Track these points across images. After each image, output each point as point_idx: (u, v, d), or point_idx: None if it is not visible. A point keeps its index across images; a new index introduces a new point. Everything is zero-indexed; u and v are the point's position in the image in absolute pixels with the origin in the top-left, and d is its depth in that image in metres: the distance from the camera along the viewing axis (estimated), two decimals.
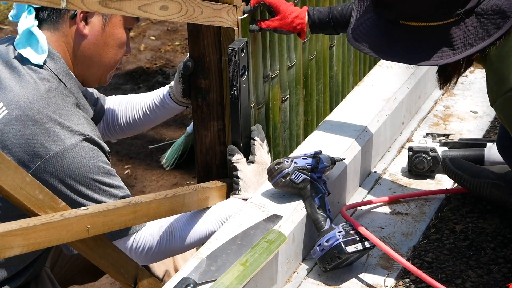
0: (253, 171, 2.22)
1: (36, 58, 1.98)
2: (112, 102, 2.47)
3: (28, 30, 1.99)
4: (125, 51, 2.15)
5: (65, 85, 2.01)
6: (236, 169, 2.21)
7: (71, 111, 1.98)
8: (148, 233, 2.11)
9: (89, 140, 1.97)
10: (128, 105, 2.45)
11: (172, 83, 2.38)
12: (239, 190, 2.20)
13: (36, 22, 2.01)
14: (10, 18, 2.05)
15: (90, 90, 2.37)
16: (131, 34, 5.44)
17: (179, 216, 2.20)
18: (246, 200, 2.16)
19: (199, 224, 2.19)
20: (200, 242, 2.18)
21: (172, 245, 2.15)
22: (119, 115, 2.46)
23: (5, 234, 1.64)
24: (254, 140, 2.26)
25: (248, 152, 2.27)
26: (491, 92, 1.86)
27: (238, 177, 2.21)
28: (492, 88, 1.85)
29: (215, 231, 2.08)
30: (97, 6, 1.73)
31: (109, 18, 2.06)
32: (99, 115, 2.40)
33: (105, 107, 2.44)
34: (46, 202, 1.77)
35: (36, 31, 2.00)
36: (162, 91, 2.43)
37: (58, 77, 2.01)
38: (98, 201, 1.97)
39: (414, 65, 2.61)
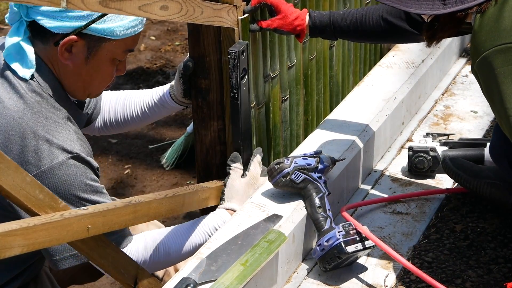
0: (242, 182, 2.22)
1: (23, 71, 1.93)
2: (109, 98, 2.44)
3: (18, 44, 1.95)
4: (112, 78, 2.09)
5: (55, 99, 1.98)
6: (228, 174, 2.22)
7: (61, 126, 1.94)
8: (134, 250, 2.11)
9: (77, 158, 1.94)
10: (126, 102, 2.43)
11: (173, 83, 2.38)
12: (223, 200, 2.22)
13: (27, 34, 1.96)
14: (6, 20, 2.03)
15: None
16: None
17: (165, 230, 2.21)
18: (234, 211, 2.16)
19: (184, 238, 2.19)
20: (186, 256, 2.18)
21: (157, 260, 2.15)
22: (116, 111, 2.43)
23: (5, 234, 1.64)
24: (254, 156, 2.27)
25: (248, 155, 2.27)
26: (471, 56, 1.88)
27: (225, 185, 2.23)
28: (472, 52, 1.86)
29: (201, 244, 2.09)
30: (97, 6, 1.73)
31: (94, 51, 1.98)
32: (96, 113, 2.39)
33: (102, 103, 2.42)
34: (46, 202, 1.77)
35: (25, 45, 1.95)
36: (162, 90, 2.41)
37: (48, 91, 1.97)
38: None
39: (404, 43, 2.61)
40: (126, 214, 1.93)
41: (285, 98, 2.52)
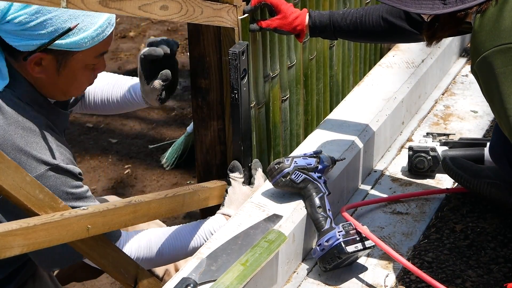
0: (244, 192, 2.23)
1: None
2: (100, 78, 2.38)
3: None
4: (92, 80, 2.06)
5: (32, 107, 1.95)
6: (229, 183, 2.23)
7: (39, 136, 1.92)
8: (127, 246, 2.11)
9: (55, 168, 1.92)
10: (116, 85, 2.39)
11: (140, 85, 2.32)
12: (223, 205, 2.21)
13: None
14: None
15: None
16: (132, 34, 5.44)
17: (162, 230, 2.21)
18: (230, 216, 2.16)
19: (180, 240, 2.19)
20: (180, 258, 2.18)
21: (149, 258, 2.15)
22: (108, 92, 2.39)
23: (5, 234, 1.64)
24: (256, 170, 2.28)
25: (247, 154, 2.27)
26: (471, 56, 1.88)
27: (227, 192, 2.23)
28: (472, 52, 1.87)
29: (195, 247, 2.10)
30: (97, 6, 1.73)
31: (64, 63, 1.95)
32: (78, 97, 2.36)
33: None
34: (46, 202, 1.77)
35: None
36: (134, 90, 2.36)
37: (25, 99, 1.94)
38: None
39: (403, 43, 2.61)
40: (126, 214, 1.93)
41: (285, 98, 2.52)
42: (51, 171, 1.92)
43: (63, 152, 1.98)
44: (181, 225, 2.23)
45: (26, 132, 1.91)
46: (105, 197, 2.57)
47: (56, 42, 1.89)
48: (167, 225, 2.51)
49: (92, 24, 1.92)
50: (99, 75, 2.23)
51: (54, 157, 1.93)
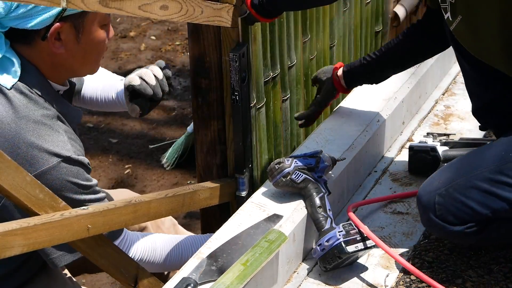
0: None
1: (5, 80, 1.91)
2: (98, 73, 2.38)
3: (2, 56, 1.92)
4: (106, 44, 2.05)
5: (44, 98, 1.95)
6: None
7: (50, 128, 1.92)
8: (133, 247, 2.12)
9: (68, 160, 1.93)
10: (100, 88, 2.38)
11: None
12: None
13: (8, 44, 1.93)
14: None
15: None
16: (132, 33, 5.44)
17: (167, 236, 2.22)
18: None
19: (186, 249, 2.20)
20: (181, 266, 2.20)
21: (152, 262, 2.16)
22: (103, 89, 2.39)
23: (5, 233, 1.64)
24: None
25: (248, 155, 2.27)
26: None
27: None
28: None
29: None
30: (97, 6, 1.73)
31: (81, 28, 1.95)
32: (79, 87, 2.36)
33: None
34: (47, 202, 1.77)
35: (10, 55, 1.93)
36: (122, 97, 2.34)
37: (36, 92, 1.94)
38: None
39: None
40: (126, 214, 1.93)
41: (285, 97, 2.52)
42: (64, 163, 1.92)
43: (74, 144, 1.99)
44: (192, 234, 2.24)
45: (38, 125, 1.91)
46: (118, 190, 2.57)
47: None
48: (167, 226, 2.51)
49: None
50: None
51: (66, 149, 1.94)
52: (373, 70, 2.40)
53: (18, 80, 1.92)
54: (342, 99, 2.72)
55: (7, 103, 1.90)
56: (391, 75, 2.45)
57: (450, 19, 1.99)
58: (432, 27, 2.29)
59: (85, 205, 1.95)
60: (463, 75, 2.16)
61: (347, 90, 2.48)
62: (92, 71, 2.11)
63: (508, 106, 2.05)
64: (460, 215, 1.96)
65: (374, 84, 2.46)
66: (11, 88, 1.91)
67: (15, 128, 1.88)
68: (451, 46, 2.19)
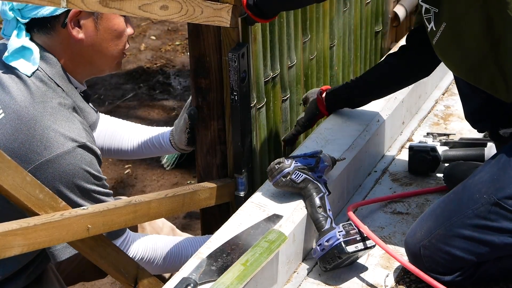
0: None
1: (25, 68, 1.94)
2: (108, 121, 2.43)
3: (21, 46, 1.96)
4: (126, 37, 2.10)
5: (62, 88, 1.99)
6: None
7: (67, 116, 1.95)
8: (135, 241, 2.12)
9: (83, 146, 1.95)
10: (125, 133, 2.42)
11: (173, 129, 2.36)
12: None
13: (28, 36, 1.97)
14: (3, 36, 2.02)
15: None
16: None
17: (168, 238, 2.23)
18: None
19: (184, 250, 2.20)
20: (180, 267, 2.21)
21: (152, 262, 2.17)
22: (112, 138, 2.42)
23: (5, 233, 1.64)
24: None
25: (247, 155, 2.27)
26: None
27: None
28: None
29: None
30: (97, 6, 1.73)
31: (100, 14, 2.00)
32: (93, 127, 2.38)
33: (100, 126, 2.39)
34: (47, 202, 1.77)
35: (29, 44, 1.96)
36: (163, 136, 2.39)
37: (55, 81, 1.98)
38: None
39: None
40: (126, 214, 1.93)
41: (285, 97, 2.52)
42: (79, 148, 1.94)
43: (88, 134, 2.01)
44: (192, 236, 2.24)
45: (55, 111, 1.93)
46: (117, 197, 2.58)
47: None
48: (166, 231, 2.52)
49: None
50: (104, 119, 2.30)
51: (81, 136, 1.95)
52: (354, 97, 2.45)
53: (38, 69, 1.95)
54: None
55: (26, 90, 1.93)
56: (371, 101, 2.50)
57: (434, 29, 1.99)
58: (416, 54, 2.30)
59: (93, 196, 1.97)
60: (455, 81, 2.17)
61: (328, 113, 2.51)
62: (113, 68, 2.13)
63: (494, 111, 2.05)
64: (448, 265, 1.97)
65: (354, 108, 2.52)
66: (31, 76, 1.94)
67: (32, 112, 1.91)
68: None
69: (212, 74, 2.24)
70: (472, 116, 2.16)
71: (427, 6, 1.97)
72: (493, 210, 1.88)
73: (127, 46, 2.12)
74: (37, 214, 1.75)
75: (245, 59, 2.16)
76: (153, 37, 5.40)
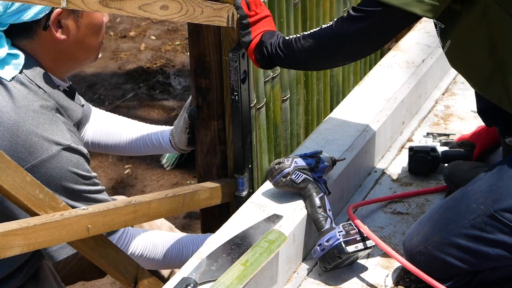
0: None
1: (5, 73, 1.92)
2: (104, 117, 2.43)
3: (6, 54, 1.94)
4: (104, 27, 2.10)
5: (43, 90, 1.97)
6: None
7: (50, 118, 1.94)
8: (135, 236, 2.12)
9: (69, 149, 1.94)
10: (123, 129, 2.42)
11: (173, 129, 2.36)
12: None
13: (9, 42, 1.96)
14: None
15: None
16: (132, 33, 5.44)
17: (168, 234, 2.23)
18: None
19: (186, 247, 2.20)
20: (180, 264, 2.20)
21: (152, 258, 2.17)
22: (110, 133, 2.41)
23: (5, 233, 1.64)
24: None
25: (247, 155, 2.27)
26: None
27: None
28: None
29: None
30: (97, 6, 1.73)
31: (80, 12, 1.99)
32: (84, 121, 2.38)
33: (93, 120, 2.39)
34: (47, 202, 1.77)
35: (14, 50, 1.95)
36: (162, 135, 2.39)
37: (36, 83, 1.96)
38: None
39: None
40: (126, 214, 1.93)
41: (285, 97, 2.52)
42: (64, 151, 1.93)
43: (73, 135, 2.00)
44: (192, 234, 2.24)
45: (37, 115, 1.92)
46: (114, 197, 2.58)
47: None
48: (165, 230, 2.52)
49: None
50: (95, 113, 2.31)
51: (65, 138, 1.94)
52: None
53: (19, 73, 1.94)
54: (342, 99, 2.72)
55: (7, 94, 1.91)
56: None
57: (441, 43, 1.99)
58: None
59: (84, 196, 1.96)
60: None
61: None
62: (94, 59, 2.13)
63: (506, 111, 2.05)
64: (444, 272, 1.97)
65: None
66: (11, 80, 1.92)
67: (15, 117, 1.89)
68: None
69: (212, 74, 2.24)
70: (484, 112, 2.16)
71: (434, 21, 1.97)
72: (489, 222, 1.87)
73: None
74: (37, 214, 1.75)
75: (246, 59, 2.16)
76: (153, 37, 5.40)
